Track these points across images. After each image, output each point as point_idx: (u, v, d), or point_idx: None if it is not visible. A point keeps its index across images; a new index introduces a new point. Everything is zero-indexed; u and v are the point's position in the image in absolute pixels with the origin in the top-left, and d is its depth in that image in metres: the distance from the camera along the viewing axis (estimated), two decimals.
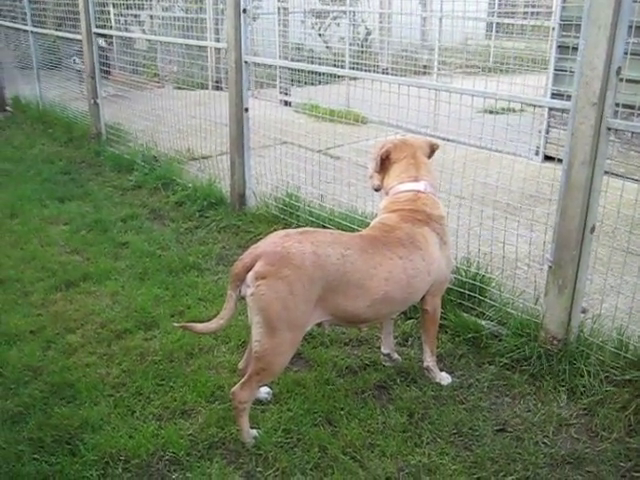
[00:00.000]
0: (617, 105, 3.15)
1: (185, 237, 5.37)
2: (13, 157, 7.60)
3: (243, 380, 2.93)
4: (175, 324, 3.58)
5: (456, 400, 3.32)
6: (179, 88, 8.40)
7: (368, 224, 4.66)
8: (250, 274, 2.81)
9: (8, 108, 10.35)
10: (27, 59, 9.61)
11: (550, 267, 3.47)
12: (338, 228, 4.83)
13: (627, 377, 3.26)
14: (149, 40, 9.68)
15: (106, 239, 5.31)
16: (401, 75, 10.20)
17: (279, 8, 9.86)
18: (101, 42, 8.49)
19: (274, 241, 2.90)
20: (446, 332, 3.86)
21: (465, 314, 3.93)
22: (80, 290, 4.50)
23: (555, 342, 3.49)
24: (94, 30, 7.31)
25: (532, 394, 3.36)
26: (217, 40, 8.00)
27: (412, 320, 4.01)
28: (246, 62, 5.18)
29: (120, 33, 7.48)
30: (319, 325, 3.08)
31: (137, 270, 4.74)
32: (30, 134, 8.74)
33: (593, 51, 3.05)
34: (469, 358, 3.67)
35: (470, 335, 3.77)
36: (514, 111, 8.74)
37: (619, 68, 3.05)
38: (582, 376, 3.34)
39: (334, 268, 2.86)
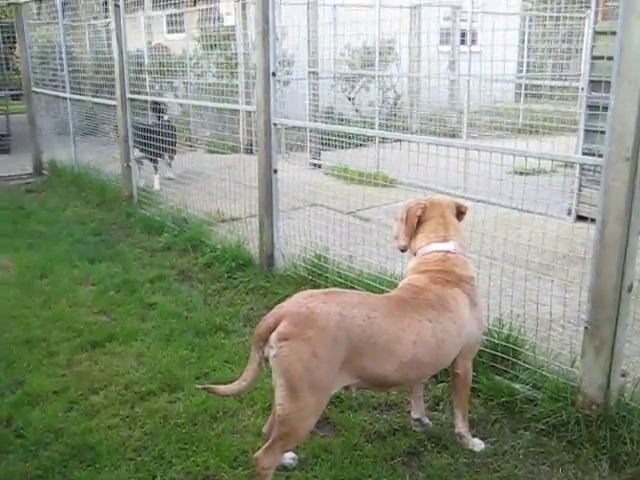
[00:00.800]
0: None
1: (212, 298, 5.33)
2: (47, 219, 7.71)
3: (266, 445, 2.82)
4: (198, 386, 3.51)
5: (490, 468, 3.16)
6: (211, 152, 8.56)
7: (397, 285, 4.61)
8: (273, 335, 2.75)
9: (45, 172, 10.59)
10: (64, 125, 9.85)
11: (586, 328, 3.34)
12: (367, 289, 4.76)
13: None
14: (181, 105, 9.90)
15: (133, 300, 5.29)
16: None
17: (309, 72, 10.03)
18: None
19: (298, 301, 2.84)
20: (478, 396, 3.71)
21: (498, 377, 3.78)
22: (105, 351, 4.46)
23: (594, 407, 3.33)
24: (128, 95, 7.47)
25: (571, 462, 3.19)
26: (247, 103, 8.12)
27: (443, 384, 3.86)
28: (275, 124, 5.22)
29: (153, 98, 7.62)
30: (346, 388, 2.98)
31: (163, 331, 4.69)
32: (64, 197, 8.88)
33: (624, 106, 3.00)
34: (503, 423, 3.51)
35: (504, 399, 3.61)
36: (545, 172, 8.67)
37: None
38: (625, 444, 3.17)
39: (360, 330, 2.77)
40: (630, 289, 3.20)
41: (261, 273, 5.57)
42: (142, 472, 3.20)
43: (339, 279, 4.98)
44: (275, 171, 5.31)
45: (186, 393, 3.88)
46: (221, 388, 3.06)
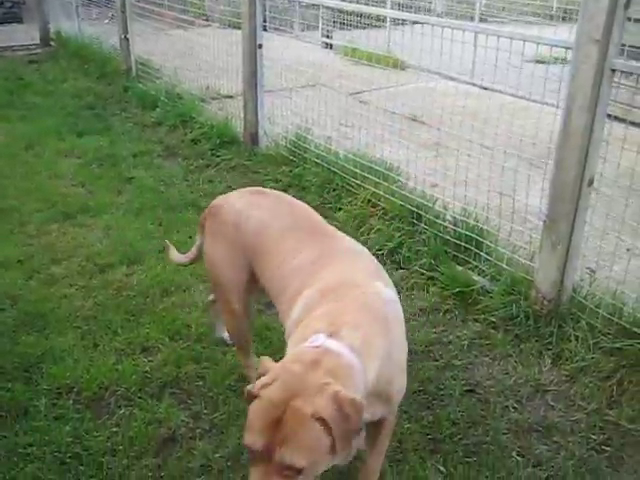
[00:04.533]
0: (624, 45, 2.83)
1: (193, 175, 5.26)
2: (44, 91, 7.60)
3: None
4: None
5: (429, 356, 3.13)
6: (224, 27, 8.22)
7: (375, 171, 4.48)
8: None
9: (52, 43, 10.36)
10: None
11: (544, 222, 3.21)
12: (342, 172, 4.64)
13: (616, 345, 3.00)
14: None
15: (114, 173, 5.25)
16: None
17: None
18: None
19: (231, 194, 2.75)
20: (435, 284, 3.65)
21: (459, 267, 3.70)
22: (75, 222, 4.46)
23: (545, 302, 3.25)
24: None
25: (513, 356, 3.14)
26: None
27: (402, 270, 3.82)
28: None
29: None
30: None
31: (135, 205, 4.67)
32: (65, 69, 8.71)
33: None
34: (454, 314, 3.46)
35: (459, 289, 3.55)
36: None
37: (628, 1, 2.72)
38: (569, 341, 3.11)
39: (252, 232, 2.48)
40: (591, 183, 3.04)
41: (245, 151, 5.47)
42: (87, 340, 3.24)
43: (316, 160, 4.85)
44: (260, 46, 5.09)
45: (144, 267, 3.88)
46: (173, 254, 3.14)
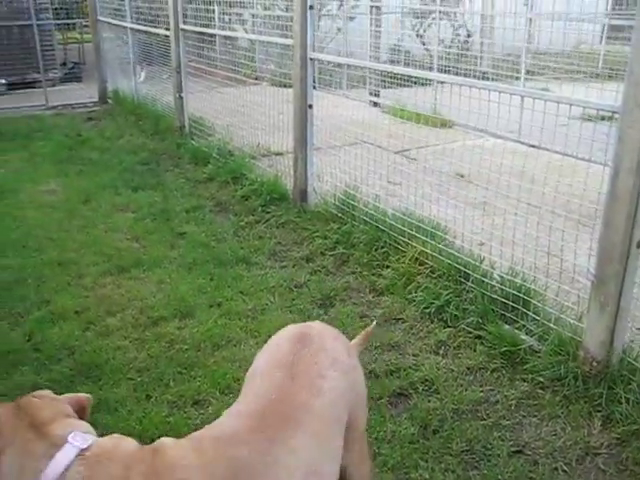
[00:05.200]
0: None
1: (243, 231, 5.38)
2: (101, 147, 7.92)
3: None
4: None
5: (477, 415, 3.13)
6: (274, 85, 8.47)
7: (422, 229, 4.54)
8: None
9: (109, 100, 10.81)
10: (127, 54, 9.97)
11: (593, 282, 3.21)
12: (390, 230, 4.71)
13: None
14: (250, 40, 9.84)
15: (167, 228, 5.41)
16: (501, 80, 9.87)
17: (372, 7, 9.77)
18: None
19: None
20: (482, 343, 3.66)
21: (506, 326, 3.71)
22: (130, 276, 4.60)
23: (594, 363, 3.23)
24: (181, 26, 7.47)
25: (562, 417, 3.12)
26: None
27: (450, 328, 3.83)
28: (311, 59, 5.14)
29: (205, 30, 7.58)
30: None
31: (187, 260, 4.79)
32: (121, 125, 9.07)
33: None
34: (502, 373, 3.46)
35: (507, 348, 3.55)
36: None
37: None
38: (620, 403, 3.07)
39: None
40: (639, 245, 3.05)
41: (294, 208, 5.59)
42: (139, 392, 3.33)
43: (365, 217, 4.94)
44: (310, 106, 5.25)
45: (196, 321, 3.98)
46: None
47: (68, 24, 13.95)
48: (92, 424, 2.87)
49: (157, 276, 4.58)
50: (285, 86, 7.98)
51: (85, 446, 1.56)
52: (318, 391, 1.83)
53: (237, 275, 4.55)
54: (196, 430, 2.97)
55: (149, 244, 5.12)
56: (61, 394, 3.16)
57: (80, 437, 1.58)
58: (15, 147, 7.91)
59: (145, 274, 4.63)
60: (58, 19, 12.70)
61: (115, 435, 1.73)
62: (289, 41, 5.42)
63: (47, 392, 1.82)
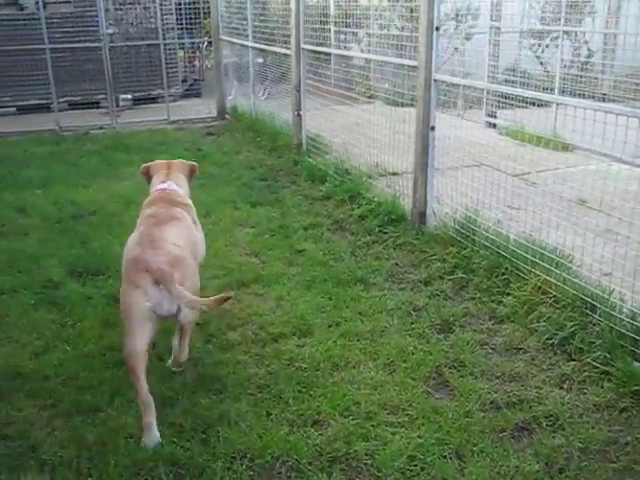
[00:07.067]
0: None
1: (360, 250, 5.40)
2: (220, 162, 8.15)
3: None
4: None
5: (606, 457, 2.99)
6: (388, 104, 8.48)
7: (545, 256, 4.41)
8: None
9: (227, 116, 11.14)
10: (247, 71, 10.24)
11: None
12: (512, 257, 4.60)
13: None
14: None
15: (285, 245, 5.50)
16: (623, 102, 9.50)
17: (491, 27, 9.63)
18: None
19: None
20: (610, 380, 3.50)
21: (637, 363, 3.53)
22: (249, 291, 4.70)
23: None
24: (303, 46, 7.61)
25: None
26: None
27: (574, 362, 3.69)
28: (435, 80, 5.11)
29: (323, 49, 7.71)
30: None
31: (306, 278, 4.85)
32: (240, 141, 9.32)
33: None
34: (632, 413, 3.29)
35: (638, 387, 3.38)
36: None
37: None
38: None
39: None
40: None
41: (412, 230, 5.55)
42: (260, 407, 3.39)
43: (485, 242, 4.84)
44: (432, 128, 5.22)
45: (315, 340, 4.01)
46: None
47: (192, 43, 14.49)
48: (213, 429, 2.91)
49: (276, 292, 4.65)
50: (399, 105, 7.99)
51: None
52: None
53: (355, 295, 4.56)
54: (316, 451, 3.03)
55: (268, 260, 5.21)
56: (184, 405, 3.28)
57: None
58: (140, 160, 8.20)
59: (264, 290, 4.71)
60: (182, 38, 13.20)
61: None
62: (413, 62, 5.40)
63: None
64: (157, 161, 4.51)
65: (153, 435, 3.13)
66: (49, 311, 4.54)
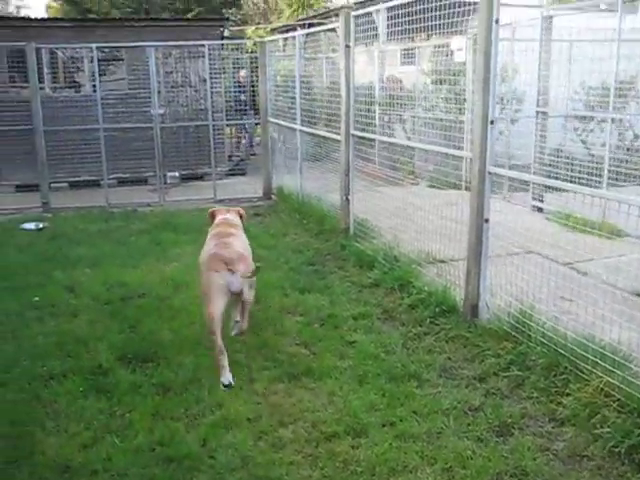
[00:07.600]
0: None
1: (412, 342, 5.30)
2: (268, 244, 8.15)
3: None
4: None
5: None
6: (432, 187, 8.50)
7: (607, 357, 4.28)
8: None
9: (273, 196, 11.27)
10: (294, 153, 10.39)
11: None
12: (571, 356, 4.47)
13: None
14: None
15: (335, 335, 5.43)
16: None
17: (537, 112, 9.69)
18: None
19: None
20: None
21: None
22: (300, 384, 4.63)
23: None
24: (352, 132, 7.72)
25: None
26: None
27: None
28: (490, 173, 5.10)
29: (371, 135, 7.81)
30: None
31: (358, 372, 4.76)
32: (286, 223, 9.38)
33: None
34: None
35: None
36: None
37: None
38: None
39: None
40: None
41: (464, 322, 5.45)
42: None
43: (542, 339, 4.72)
44: (486, 220, 5.18)
45: (369, 440, 3.91)
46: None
47: (239, 124, 14.86)
48: None
49: (328, 387, 4.57)
50: (444, 188, 8.01)
51: None
52: None
53: (409, 392, 4.45)
54: None
55: (318, 351, 5.14)
56: None
57: None
58: (188, 240, 8.29)
59: (316, 384, 4.63)
60: (230, 118, 13.53)
61: None
62: (468, 154, 5.42)
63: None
64: (219, 207, 6.30)
65: (227, 375, 4.60)
66: (98, 399, 4.52)
